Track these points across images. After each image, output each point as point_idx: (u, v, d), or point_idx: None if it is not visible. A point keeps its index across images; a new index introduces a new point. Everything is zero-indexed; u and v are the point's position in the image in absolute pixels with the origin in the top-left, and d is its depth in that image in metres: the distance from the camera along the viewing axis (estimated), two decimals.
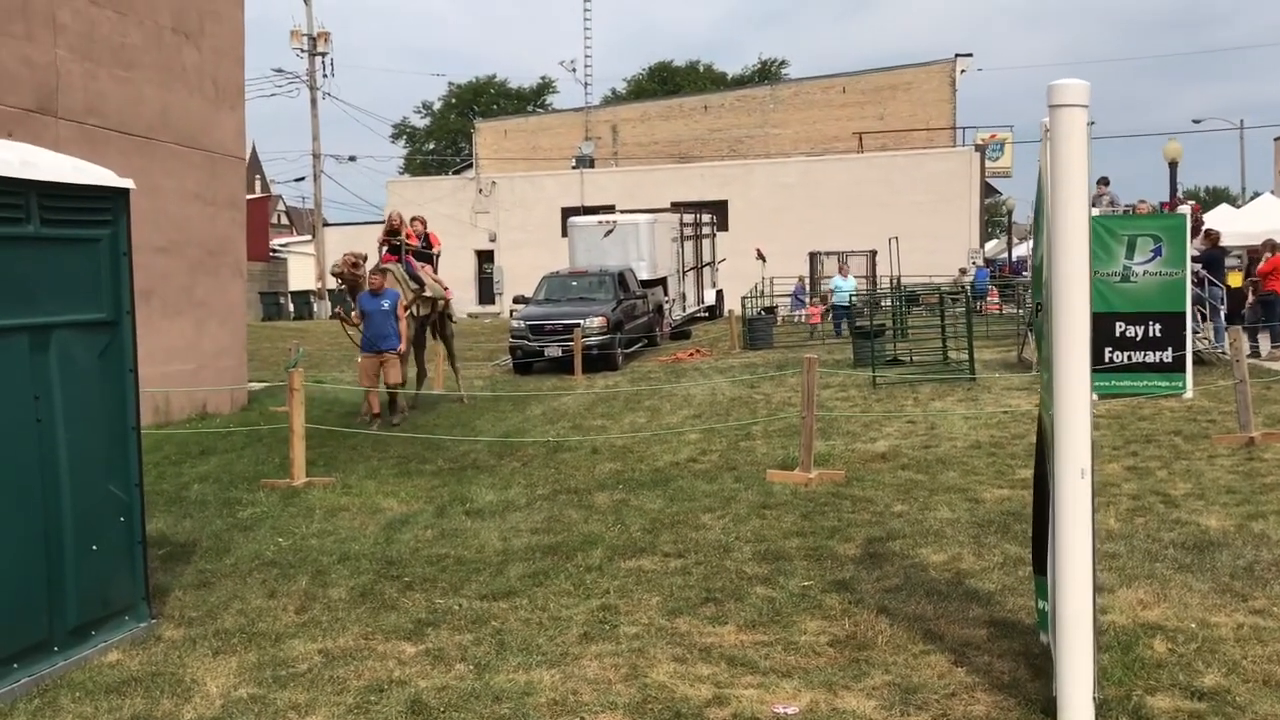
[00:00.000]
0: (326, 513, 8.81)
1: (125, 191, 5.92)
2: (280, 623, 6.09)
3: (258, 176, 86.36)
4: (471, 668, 5.29)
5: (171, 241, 14.36)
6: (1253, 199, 35.26)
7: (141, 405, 6.12)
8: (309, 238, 54.13)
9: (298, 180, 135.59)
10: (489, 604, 6.29)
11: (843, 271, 28.12)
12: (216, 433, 13.00)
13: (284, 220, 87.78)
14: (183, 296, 14.68)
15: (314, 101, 45.94)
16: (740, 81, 70.14)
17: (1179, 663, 4.99)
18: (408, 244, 15.14)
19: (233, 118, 15.97)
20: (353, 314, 14.04)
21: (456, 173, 56.60)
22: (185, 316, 14.73)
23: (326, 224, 47.99)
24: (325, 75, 46.58)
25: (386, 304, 13.51)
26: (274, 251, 55.13)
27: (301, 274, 51.57)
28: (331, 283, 14.21)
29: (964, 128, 46.70)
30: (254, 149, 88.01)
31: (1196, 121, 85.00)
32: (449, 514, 8.66)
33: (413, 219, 16.03)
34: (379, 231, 16.02)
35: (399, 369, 13.74)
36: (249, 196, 42.18)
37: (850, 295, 25.59)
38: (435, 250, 15.96)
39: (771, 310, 30.72)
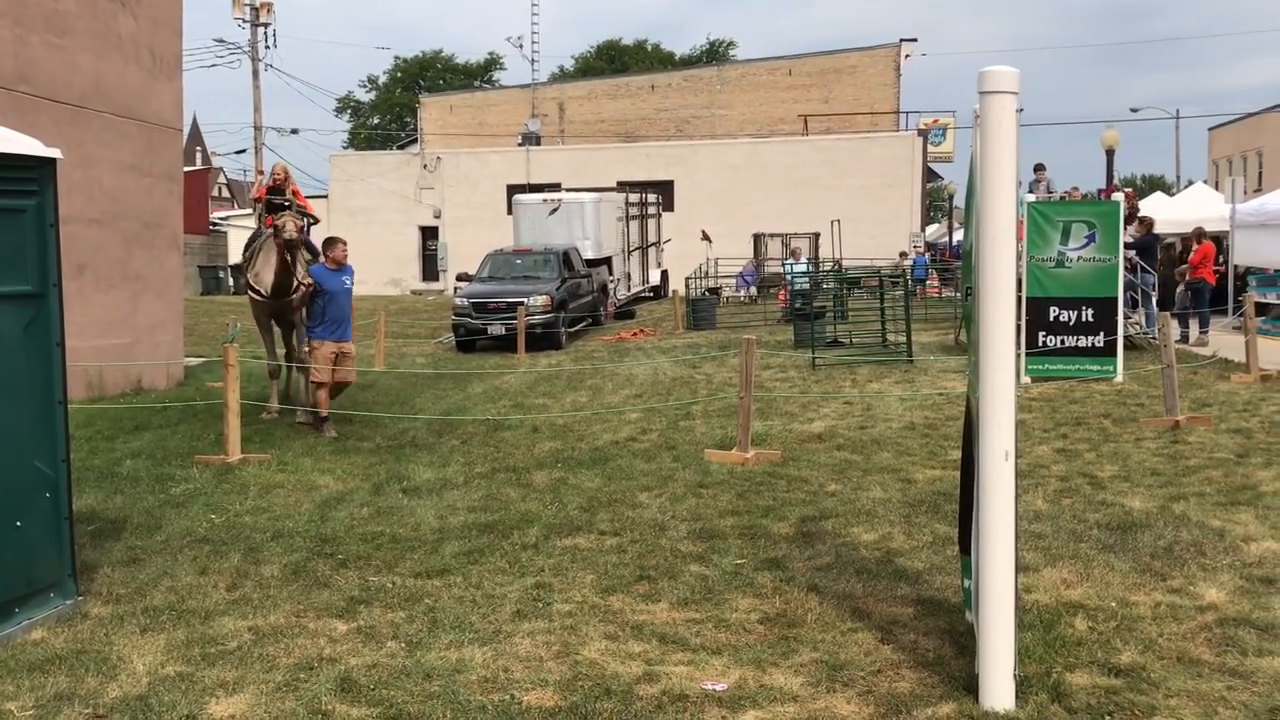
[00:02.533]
0: (261, 490, 8.72)
1: (52, 161, 5.81)
2: (210, 600, 6.03)
3: (198, 149, 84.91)
4: (403, 645, 5.29)
5: (106, 213, 14.09)
6: (1187, 187, 35.93)
7: (75, 379, 6.03)
8: (250, 211, 53.25)
9: (239, 153, 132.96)
10: (423, 582, 6.29)
11: (795, 255, 28.66)
12: (151, 408, 12.81)
13: (225, 193, 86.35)
14: (117, 269, 14.42)
15: (256, 73, 45.16)
16: (688, 62, 70.09)
17: (1098, 640, 5.11)
18: (297, 205, 12.84)
19: (170, 88, 15.68)
20: (302, 286, 11.86)
21: (401, 148, 56.04)
22: (120, 290, 14.47)
23: None
24: (268, 47, 46.09)
25: (349, 281, 11.57)
26: (214, 225, 54.18)
27: (242, 247, 50.73)
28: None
29: (907, 112, 47.01)
30: (195, 120, 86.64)
31: (1134, 110, 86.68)
32: (385, 492, 8.62)
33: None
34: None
35: (354, 365, 11.96)
36: (189, 169, 41.50)
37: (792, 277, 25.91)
38: (310, 220, 13.35)
39: (716, 291, 30.89)
